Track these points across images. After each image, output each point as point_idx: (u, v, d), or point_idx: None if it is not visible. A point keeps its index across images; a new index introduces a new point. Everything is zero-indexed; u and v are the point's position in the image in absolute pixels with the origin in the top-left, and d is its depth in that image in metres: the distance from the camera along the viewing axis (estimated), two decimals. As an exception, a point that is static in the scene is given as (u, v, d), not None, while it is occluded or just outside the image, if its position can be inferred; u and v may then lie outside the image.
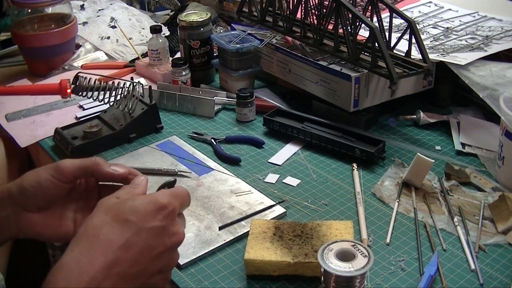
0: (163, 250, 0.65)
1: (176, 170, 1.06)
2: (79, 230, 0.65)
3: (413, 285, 0.80)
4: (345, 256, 0.73)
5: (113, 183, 0.77)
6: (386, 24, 1.14)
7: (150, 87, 1.21)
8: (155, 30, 1.43)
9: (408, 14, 1.25)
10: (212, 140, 1.15)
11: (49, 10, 1.49)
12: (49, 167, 0.75)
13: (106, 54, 1.58)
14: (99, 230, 0.63)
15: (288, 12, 1.27)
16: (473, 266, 0.83)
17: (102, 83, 1.19)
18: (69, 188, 0.77)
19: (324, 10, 1.18)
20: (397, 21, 1.24)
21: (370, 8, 1.17)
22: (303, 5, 1.23)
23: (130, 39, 1.57)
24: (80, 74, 1.19)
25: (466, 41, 1.24)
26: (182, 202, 0.70)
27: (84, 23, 1.69)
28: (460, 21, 1.35)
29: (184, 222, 0.71)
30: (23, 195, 0.75)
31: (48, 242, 0.69)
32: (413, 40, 1.11)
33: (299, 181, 1.04)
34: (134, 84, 1.19)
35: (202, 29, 1.36)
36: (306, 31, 1.25)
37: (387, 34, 1.14)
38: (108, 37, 1.63)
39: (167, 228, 0.66)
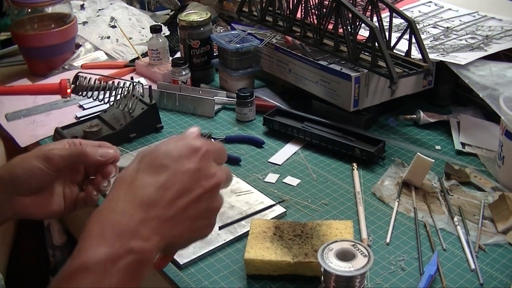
0: (201, 192, 0.63)
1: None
2: (115, 180, 0.65)
3: (413, 285, 0.80)
4: (345, 256, 0.73)
5: None
6: (386, 24, 1.14)
7: (150, 86, 1.21)
8: (155, 30, 1.43)
9: (408, 13, 1.25)
10: (212, 140, 1.15)
11: (49, 9, 1.49)
12: (38, 156, 0.78)
13: (106, 54, 1.58)
14: (135, 177, 0.63)
15: (288, 12, 1.27)
16: (473, 266, 0.83)
17: (102, 83, 1.19)
18: (58, 173, 0.80)
19: (324, 10, 1.18)
20: (397, 20, 1.24)
21: (370, 8, 1.17)
22: (303, 5, 1.23)
23: (130, 38, 1.57)
24: (80, 74, 1.19)
25: (466, 41, 1.24)
26: (217, 150, 0.67)
27: (84, 23, 1.69)
28: (460, 20, 1.35)
29: (226, 172, 0.67)
30: (15, 181, 0.78)
31: (43, 219, 0.73)
32: (413, 40, 1.11)
33: (299, 180, 1.04)
34: (134, 84, 1.19)
35: (202, 28, 1.36)
36: (306, 30, 1.25)
37: (387, 34, 1.14)
38: (108, 37, 1.63)
39: (203, 170, 0.64)
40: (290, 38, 1.30)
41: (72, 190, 0.83)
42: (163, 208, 0.61)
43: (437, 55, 1.17)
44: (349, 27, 1.13)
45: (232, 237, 0.90)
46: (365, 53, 1.12)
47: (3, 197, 0.79)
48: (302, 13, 1.24)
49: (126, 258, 0.57)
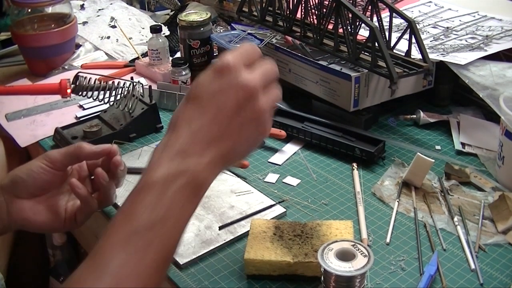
0: (237, 104, 0.65)
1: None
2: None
3: (413, 285, 0.80)
4: (345, 256, 0.73)
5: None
6: (386, 24, 1.14)
7: (150, 86, 1.21)
8: (155, 30, 1.43)
9: (408, 13, 1.25)
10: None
11: (49, 9, 1.49)
12: (39, 157, 0.80)
13: (106, 54, 1.58)
14: (179, 113, 0.66)
15: (288, 12, 1.27)
16: (473, 266, 0.83)
17: (102, 83, 1.19)
18: (60, 177, 0.81)
19: (324, 10, 1.18)
20: (397, 20, 1.24)
21: (370, 7, 1.17)
22: (303, 5, 1.23)
23: (130, 38, 1.57)
24: (80, 74, 1.19)
25: (466, 41, 1.24)
26: (242, 54, 0.67)
27: (84, 23, 1.69)
28: (460, 20, 1.35)
29: (259, 69, 0.68)
30: (14, 182, 0.79)
31: (38, 231, 0.74)
32: (413, 40, 1.11)
33: (299, 180, 1.04)
34: (134, 83, 1.19)
35: (202, 28, 1.36)
36: (306, 30, 1.25)
37: (387, 33, 1.14)
38: (108, 37, 1.63)
39: (232, 83, 0.65)
40: (290, 38, 1.30)
41: (75, 206, 0.83)
42: (206, 129, 0.64)
43: (437, 55, 1.17)
44: (349, 27, 1.13)
45: (232, 237, 0.90)
46: (365, 53, 1.12)
47: (1, 199, 0.79)
48: (302, 13, 1.24)
49: (182, 178, 0.62)
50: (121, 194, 1.00)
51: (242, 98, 0.65)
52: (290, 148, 1.14)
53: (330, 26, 1.18)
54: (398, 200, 0.97)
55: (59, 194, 0.82)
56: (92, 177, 0.85)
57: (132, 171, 1.06)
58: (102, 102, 1.19)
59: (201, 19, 1.35)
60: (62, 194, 0.82)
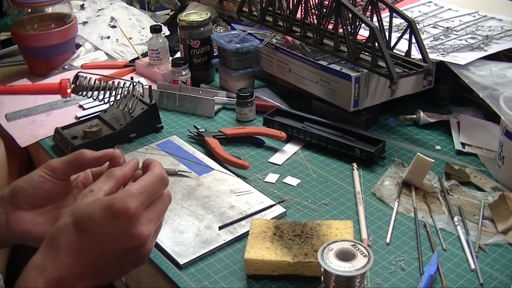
0: (124, 250, 0.66)
1: (176, 170, 1.06)
2: (51, 229, 0.67)
3: (413, 285, 0.80)
4: (345, 256, 0.73)
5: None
6: (386, 24, 1.14)
7: (150, 87, 1.21)
8: (155, 30, 1.43)
9: (408, 13, 1.25)
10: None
11: (49, 9, 1.49)
12: (40, 167, 0.77)
13: (106, 54, 1.58)
14: (61, 234, 0.66)
15: (288, 12, 1.27)
16: (473, 266, 0.83)
17: (102, 82, 1.19)
18: (62, 187, 0.77)
19: (324, 10, 1.18)
20: (397, 20, 1.24)
21: (370, 7, 1.17)
22: (303, 5, 1.23)
23: (130, 38, 1.57)
24: (80, 74, 1.19)
25: (466, 41, 1.24)
26: (148, 195, 0.68)
27: (84, 23, 1.69)
28: (460, 20, 1.35)
29: (156, 214, 0.69)
30: (14, 192, 0.76)
31: (38, 245, 0.71)
32: (413, 40, 1.11)
33: (299, 180, 1.04)
34: (134, 84, 1.19)
35: (202, 28, 1.36)
36: (306, 31, 1.25)
37: (387, 34, 1.14)
38: (108, 37, 1.63)
39: (125, 232, 0.66)
40: (290, 38, 1.30)
41: None
42: (85, 267, 0.65)
43: (437, 55, 1.17)
44: (349, 27, 1.13)
45: (232, 237, 0.90)
46: (365, 53, 1.12)
47: (1, 210, 0.76)
48: (302, 13, 1.24)
49: None
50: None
51: (131, 247, 0.66)
52: (290, 148, 1.14)
53: (330, 26, 1.18)
54: (398, 200, 0.97)
55: (63, 207, 0.79)
56: None
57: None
58: (102, 102, 1.19)
59: (201, 19, 1.35)
60: (66, 207, 0.78)
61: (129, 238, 0.66)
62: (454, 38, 1.26)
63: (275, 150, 1.13)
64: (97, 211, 0.65)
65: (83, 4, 1.79)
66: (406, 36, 1.12)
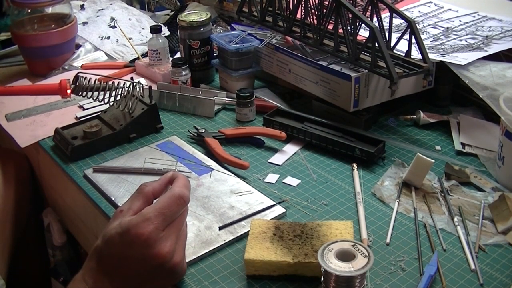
0: (150, 270, 0.70)
1: (176, 170, 1.06)
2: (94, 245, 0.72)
3: (413, 285, 0.80)
4: (345, 256, 0.73)
5: None
6: (386, 24, 1.14)
7: (150, 87, 1.21)
8: (155, 30, 1.43)
9: (408, 14, 1.25)
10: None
11: (49, 10, 1.49)
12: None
13: (106, 54, 1.58)
14: (94, 254, 0.72)
15: (288, 12, 1.27)
16: (473, 266, 0.83)
17: (102, 83, 1.19)
18: None
19: (324, 10, 1.18)
20: (397, 21, 1.24)
21: (370, 8, 1.17)
22: (303, 5, 1.23)
23: (130, 39, 1.57)
24: (80, 74, 1.19)
25: (466, 41, 1.24)
26: (164, 217, 0.71)
27: (84, 23, 1.69)
28: (460, 21, 1.35)
29: (174, 229, 0.73)
30: None
31: None
32: (413, 40, 1.11)
33: (299, 181, 1.04)
34: (134, 84, 1.19)
35: (202, 29, 1.36)
36: (306, 31, 1.25)
37: (387, 34, 1.14)
38: (108, 37, 1.63)
39: (144, 254, 0.69)
40: (290, 39, 1.30)
41: None
42: (118, 284, 0.70)
43: (437, 55, 1.17)
44: (349, 27, 1.13)
45: (232, 238, 0.90)
46: (365, 53, 1.12)
47: None
48: (302, 13, 1.24)
49: None
50: (121, 194, 1.01)
51: (156, 265, 0.70)
52: (290, 149, 1.14)
53: (330, 26, 1.18)
54: (398, 200, 0.97)
55: None
56: None
57: (133, 171, 1.06)
58: (102, 103, 1.19)
59: (201, 19, 1.35)
60: None
61: (150, 259, 0.69)
62: (454, 39, 1.26)
63: (275, 150, 1.13)
64: (116, 237, 0.70)
65: (83, 4, 1.79)
66: (406, 36, 1.12)
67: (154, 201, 0.75)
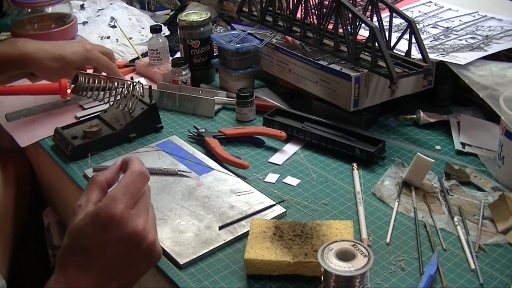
0: (127, 251, 0.68)
1: (176, 169, 1.06)
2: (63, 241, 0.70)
3: (413, 285, 0.80)
4: (345, 256, 0.73)
5: None
6: (386, 24, 1.14)
7: (150, 86, 1.21)
8: (155, 29, 1.43)
9: (408, 13, 1.25)
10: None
11: (49, 9, 1.49)
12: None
13: (106, 54, 1.58)
14: (65, 256, 0.69)
15: (288, 12, 1.27)
16: (473, 266, 0.83)
17: (102, 82, 1.19)
18: None
19: (324, 10, 1.18)
20: (397, 20, 1.24)
21: (370, 7, 1.17)
22: (303, 5, 1.23)
23: (130, 38, 1.57)
24: (80, 74, 1.19)
25: (466, 41, 1.24)
26: (131, 195, 0.69)
27: (84, 23, 1.69)
28: (460, 20, 1.35)
29: (142, 206, 0.71)
30: None
31: None
32: (413, 40, 1.11)
33: (299, 180, 1.04)
34: (134, 83, 1.19)
35: (202, 28, 1.36)
36: (306, 30, 1.25)
37: (387, 34, 1.14)
38: (108, 37, 1.63)
39: (120, 235, 0.68)
40: (290, 38, 1.30)
41: None
42: (99, 275, 0.68)
43: (437, 55, 1.17)
44: (349, 27, 1.13)
45: (232, 237, 0.90)
46: (365, 53, 1.12)
47: None
48: (302, 13, 1.24)
49: None
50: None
51: (132, 245, 0.68)
52: (290, 148, 1.14)
53: (330, 26, 1.18)
54: (398, 200, 0.97)
55: None
56: None
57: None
58: (102, 102, 1.19)
59: (201, 19, 1.35)
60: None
61: (126, 239, 0.68)
62: (454, 38, 1.26)
63: (275, 150, 1.13)
64: (88, 226, 0.67)
65: (83, 4, 1.79)
66: (406, 36, 1.12)
67: (109, 190, 0.73)
